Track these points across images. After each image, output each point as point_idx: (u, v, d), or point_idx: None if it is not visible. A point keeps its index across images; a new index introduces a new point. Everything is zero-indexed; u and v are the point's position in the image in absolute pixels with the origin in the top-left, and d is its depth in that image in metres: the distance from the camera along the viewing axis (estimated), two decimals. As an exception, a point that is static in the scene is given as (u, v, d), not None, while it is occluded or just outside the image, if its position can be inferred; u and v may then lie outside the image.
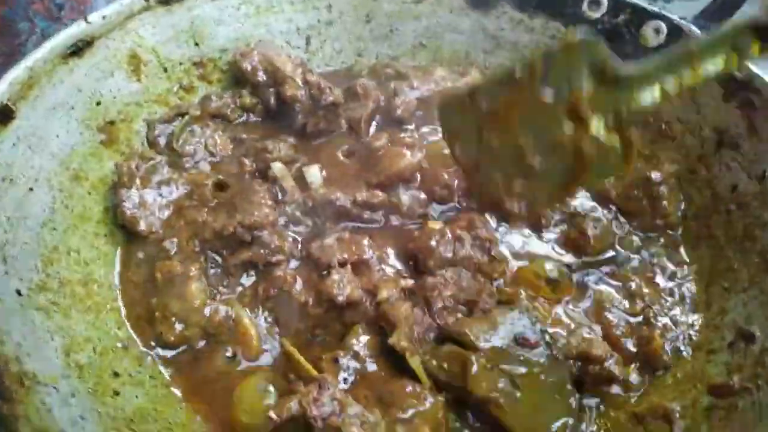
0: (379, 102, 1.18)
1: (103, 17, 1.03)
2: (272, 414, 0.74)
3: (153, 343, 0.90)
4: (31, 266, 0.83)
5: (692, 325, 0.95)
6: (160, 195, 1.02)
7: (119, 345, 0.88)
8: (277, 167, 1.05)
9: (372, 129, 1.19)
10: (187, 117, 1.13)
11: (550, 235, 1.06)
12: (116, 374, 0.83)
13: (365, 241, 0.98)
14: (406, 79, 1.22)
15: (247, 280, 0.96)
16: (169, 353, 0.89)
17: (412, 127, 1.19)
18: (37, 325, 0.78)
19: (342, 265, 0.94)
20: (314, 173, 1.06)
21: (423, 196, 1.06)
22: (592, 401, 0.87)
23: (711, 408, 0.81)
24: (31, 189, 0.88)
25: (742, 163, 1.03)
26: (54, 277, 0.86)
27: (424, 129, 1.18)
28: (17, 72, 0.88)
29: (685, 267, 1.03)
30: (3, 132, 0.85)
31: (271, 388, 0.85)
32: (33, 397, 0.68)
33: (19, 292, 0.79)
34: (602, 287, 1.00)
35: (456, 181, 1.06)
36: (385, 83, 1.22)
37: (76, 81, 0.98)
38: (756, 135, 1.02)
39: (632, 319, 0.96)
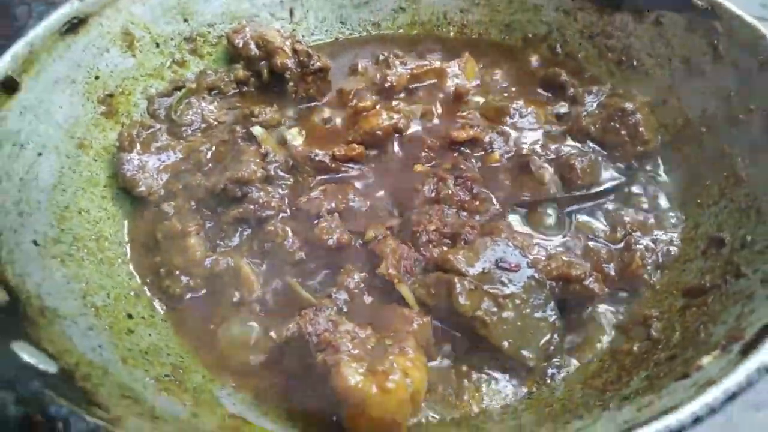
0: (375, 80, 1.24)
1: (95, -4, 1.10)
2: (272, 334, 0.81)
3: (161, 294, 0.96)
4: (46, 222, 0.90)
5: (671, 242, 1.00)
6: (159, 160, 1.09)
7: (131, 293, 0.95)
8: (258, 130, 1.12)
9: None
10: (184, 90, 1.20)
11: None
12: (130, 316, 0.90)
13: (350, 190, 1.04)
14: (400, 57, 1.28)
15: (242, 236, 1.02)
16: (176, 302, 0.96)
17: (401, 96, 1.24)
18: (54, 271, 0.86)
19: (330, 213, 1.01)
20: (294, 133, 1.14)
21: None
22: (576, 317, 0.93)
23: (685, 307, 0.86)
24: (39, 154, 0.95)
25: (709, 87, 1.08)
26: (68, 232, 0.93)
27: (414, 101, 1.23)
28: (18, 47, 0.95)
29: (664, 191, 1.08)
30: (10, 101, 0.92)
31: (254, 324, 0.91)
32: (54, 326, 0.75)
33: (35, 242, 0.86)
34: (586, 218, 1.05)
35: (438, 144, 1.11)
36: (382, 62, 1.28)
37: (74, 56, 1.05)
38: (720, 59, 1.06)
39: (614, 247, 1.01)
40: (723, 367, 0.60)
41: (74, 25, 1.05)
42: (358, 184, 1.07)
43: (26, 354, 0.62)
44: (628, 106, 1.11)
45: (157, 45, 1.20)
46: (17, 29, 1.10)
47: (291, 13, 1.36)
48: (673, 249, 0.98)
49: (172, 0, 1.21)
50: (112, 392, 0.68)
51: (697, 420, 0.52)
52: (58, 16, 1.03)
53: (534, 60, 1.31)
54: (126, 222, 1.04)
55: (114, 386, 0.71)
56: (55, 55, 1.02)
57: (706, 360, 0.64)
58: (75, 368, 0.68)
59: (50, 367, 0.63)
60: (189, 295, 0.96)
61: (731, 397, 0.54)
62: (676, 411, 0.53)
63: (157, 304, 0.95)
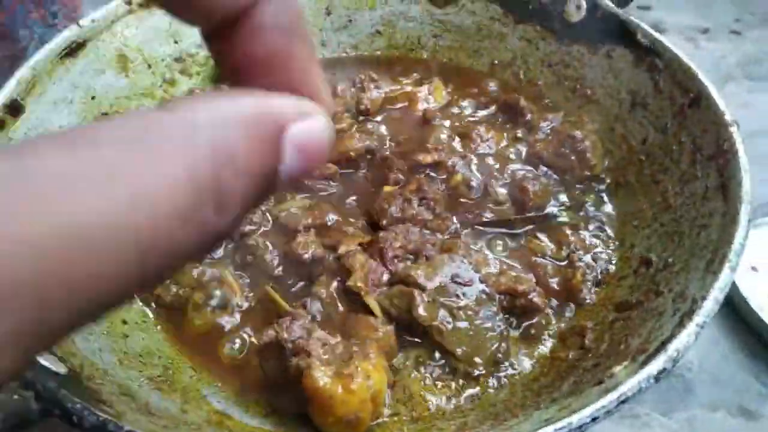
0: (351, 102, 1.34)
1: (92, 21, 1.18)
2: (253, 339, 0.92)
3: (153, 303, 1.06)
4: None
5: (610, 261, 1.13)
6: (151, 175, 1.19)
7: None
8: None
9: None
10: (172, 108, 1.29)
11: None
12: (125, 322, 1.00)
13: (326, 207, 1.15)
14: (375, 81, 1.39)
15: (227, 248, 1.11)
16: (166, 308, 1.06)
17: (377, 120, 1.35)
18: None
19: (307, 229, 1.12)
20: None
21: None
22: (523, 327, 1.05)
23: (614, 320, 0.98)
24: (42, 172, 1.04)
25: (650, 118, 1.20)
26: (66, 244, 1.03)
27: (386, 124, 1.34)
28: (23, 71, 1.04)
29: (607, 213, 1.20)
30: (16, 123, 1.01)
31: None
32: (59, 332, 0.85)
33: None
34: (536, 238, 1.17)
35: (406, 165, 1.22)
36: (357, 85, 1.38)
37: (72, 79, 1.14)
38: (660, 93, 1.19)
39: (559, 263, 1.13)
40: (628, 375, 0.72)
41: (73, 49, 1.14)
42: (332, 202, 1.18)
43: (41, 358, 0.72)
44: (577, 133, 1.23)
45: (149, 66, 1.29)
46: (20, 51, 1.18)
47: (274, 34, 1.45)
48: (611, 267, 1.11)
49: (165, 23, 1.30)
50: (112, 391, 0.79)
51: (594, 419, 0.64)
52: (59, 40, 1.12)
53: (494, 85, 1.43)
54: (119, 233, 1.14)
55: (114, 385, 0.81)
56: (55, 78, 1.11)
57: (617, 368, 0.77)
58: (80, 370, 0.79)
59: (60, 369, 0.73)
60: (177, 303, 1.06)
61: (624, 401, 0.66)
62: (578, 412, 0.65)
63: (148, 310, 1.05)
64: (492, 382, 0.96)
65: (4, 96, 1.00)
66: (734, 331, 1.19)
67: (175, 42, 1.34)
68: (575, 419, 0.64)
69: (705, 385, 1.13)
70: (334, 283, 1.06)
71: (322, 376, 0.83)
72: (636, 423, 1.09)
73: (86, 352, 0.85)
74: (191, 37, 1.35)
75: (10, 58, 1.18)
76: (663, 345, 0.73)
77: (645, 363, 0.72)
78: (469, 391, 0.95)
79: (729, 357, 1.17)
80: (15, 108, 1.02)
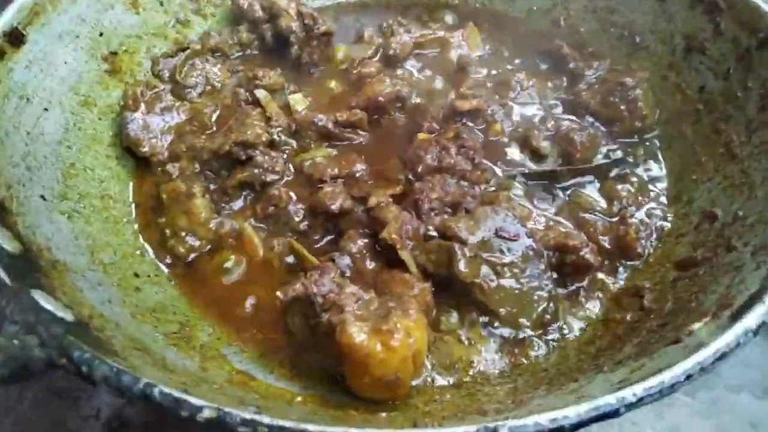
0: (379, 47, 1.26)
1: (98, -51, 1.08)
2: (278, 293, 0.83)
3: (166, 255, 0.98)
4: (52, 177, 0.91)
5: (665, 216, 1.03)
6: (163, 120, 1.10)
7: (137, 252, 0.96)
8: (261, 93, 1.12)
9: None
10: (188, 51, 1.19)
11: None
12: (137, 275, 0.92)
13: (354, 156, 1.06)
14: (404, 25, 1.29)
15: (246, 199, 1.03)
16: (179, 262, 0.97)
17: (406, 66, 1.25)
18: (62, 226, 0.87)
19: (333, 179, 1.02)
20: (297, 98, 1.15)
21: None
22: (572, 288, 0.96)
23: (677, 279, 0.89)
24: (45, 109, 0.95)
25: (708, 64, 1.10)
26: (73, 188, 0.94)
27: (418, 69, 1.24)
28: None
29: (660, 166, 1.10)
30: (17, 54, 0.91)
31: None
32: (66, 279, 0.76)
33: (43, 197, 0.87)
34: (583, 192, 1.07)
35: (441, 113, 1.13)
36: (385, 29, 1.28)
37: (78, 11, 1.04)
38: (721, 36, 1.08)
39: (610, 220, 1.04)
40: (712, 332, 0.63)
41: (80, -21, 1.04)
42: (360, 151, 1.08)
43: (44, 301, 0.63)
44: (628, 81, 1.12)
45: (161, 3, 1.19)
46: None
47: (295, -25, 1.35)
48: (667, 223, 1.01)
49: (177, -43, 1.20)
50: (125, 344, 0.70)
51: (688, 377, 0.55)
52: (64, -32, 1.02)
53: (536, 33, 1.32)
54: (131, 182, 1.05)
55: (126, 338, 0.73)
56: (60, 9, 1.01)
57: (696, 326, 0.68)
58: (89, 320, 0.70)
59: (67, 316, 0.65)
60: (193, 256, 0.98)
61: (720, 357, 0.57)
62: (669, 370, 0.56)
63: (161, 264, 0.96)
64: (540, 344, 0.87)
65: (3, 23, 0.91)
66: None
67: (189, -22, 1.23)
68: (667, 377, 0.55)
69: (729, 366, 1.05)
70: (365, 238, 0.97)
71: (358, 332, 0.74)
72: (659, 403, 1.00)
73: (95, 301, 0.76)
74: (206, -26, 1.25)
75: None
76: (756, 298, 0.64)
77: (736, 317, 0.62)
78: (516, 355, 0.86)
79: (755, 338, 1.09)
80: (15, 36, 0.92)
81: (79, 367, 0.55)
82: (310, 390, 0.81)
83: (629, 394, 0.55)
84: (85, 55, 1.05)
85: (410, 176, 1.04)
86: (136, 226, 1.00)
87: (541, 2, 1.36)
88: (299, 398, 0.78)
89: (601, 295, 0.95)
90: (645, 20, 1.22)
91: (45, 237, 0.80)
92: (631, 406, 0.54)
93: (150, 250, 0.98)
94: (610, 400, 0.54)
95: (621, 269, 0.97)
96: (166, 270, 0.96)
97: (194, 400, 0.55)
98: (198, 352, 0.82)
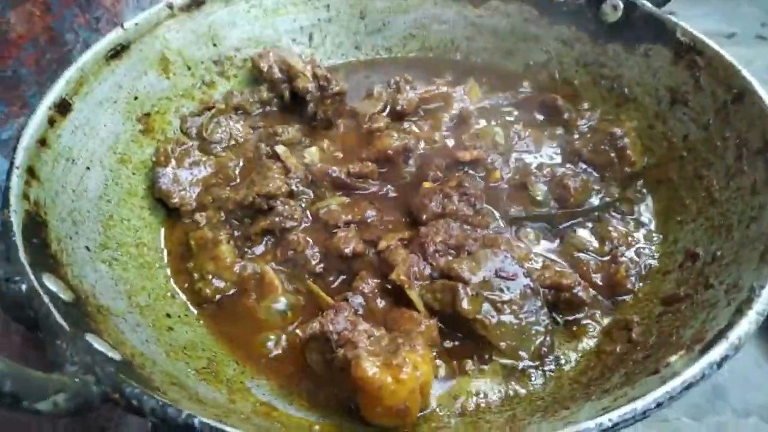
0: (387, 103, 1.36)
1: (136, 24, 1.21)
2: (298, 331, 0.92)
3: (195, 296, 1.07)
4: (95, 229, 1.01)
5: (653, 256, 1.11)
6: (191, 174, 1.21)
7: (169, 294, 1.06)
8: (281, 149, 1.23)
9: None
10: (213, 110, 1.32)
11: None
12: (168, 315, 1.01)
13: (365, 204, 1.16)
14: (410, 82, 1.40)
15: (267, 244, 1.13)
16: (207, 303, 1.06)
17: (414, 119, 1.36)
18: (104, 273, 0.96)
19: (347, 224, 1.12)
20: (313, 152, 1.26)
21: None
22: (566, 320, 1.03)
23: (662, 314, 0.97)
24: (88, 168, 1.06)
25: (691, 115, 1.19)
26: (112, 239, 1.04)
27: (423, 123, 1.34)
28: (71, 72, 1.06)
29: (648, 209, 1.19)
30: (64, 121, 1.03)
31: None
32: (109, 322, 0.85)
33: (87, 248, 0.97)
34: (576, 234, 1.16)
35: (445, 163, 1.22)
36: (393, 86, 1.39)
37: (117, 79, 1.16)
38: (701, 90, 1.18)
39: (601, 259, 1.12)
40: (685, 364, 0.71)
41: (118, 51, 1.17)
42: (372, 199, 1.18)
43: (96, 344, 0.73)
44: (617, 130, 1.22)
45: (189, 68, 1.32)
46: (65, 53, 1.21)
47: (310, 38, 1.48)
48: (654, 262, 1.10)
49: (204, 26, 1.33)
50: (163, 380, 0.79)
51: (658, 405, 0.63)
52: (104, 43, 1.14)
53: (530, 86, 1.42)
54: (162, 230, 1.15)
55: (163, 375, 0.82)
56: (101, 78, 1.13)
57: (673, 358, 0.75)
58: (131, 358, 0.79)
59: (116, 356, 0.74)
60: (219, 297, 1.07)
61: (688, 387, 0.65)
62: (642, 398, 0.64)
63: (190, 304, 1.06)
64: (537, 375, 0.95)
65: (54, 95, 1.03)
66: (767, 336, 1.15)
67: (214, 45, 1.36)
68: (639, 405, 0.63)
69: (736, 390, 1.10)
70: (376, 279, 1.06)
71: (371, 366, 0.82)
72: (666, 427, 1.06)
73: (135, 342, 0.86)
74: (229, 40, 1.38)
75: (57, 60, 1.21)
76: (722, 333, 0.72)
77: (704, 351, 0.70)
78: (515, 385, 0.94)
79: (761, 362, 1.14)
80: (63, 106, 1.04)
81: (131, 401, 0.64)
82: (327, 419, 0.89)
83: (606, 420, 0.63)
84: (122, 118, 1.17)
85: (417, 222, 1.13)
86: (167, 270, 1.10)
87: (537, 57, 1.47)
88: (317, 426, 0.86)
89: (594, 328, 1.02)
90: (632, 74, 1.32)
91: (90, 284, 0.90)
92: (607, 431, 0.62)
93: (180, 292, 1.07)
94: (589, 425, 0.62)
95: (612, 304, 1.05)
96: (194, 311, 1.05)
97: (230, 429, 0.64)
98: (225, 385, 0.91)
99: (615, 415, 0.63)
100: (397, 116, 1.34)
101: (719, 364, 0.68)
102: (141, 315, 0.96)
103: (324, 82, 1.30)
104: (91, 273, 0.93)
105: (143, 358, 0.82)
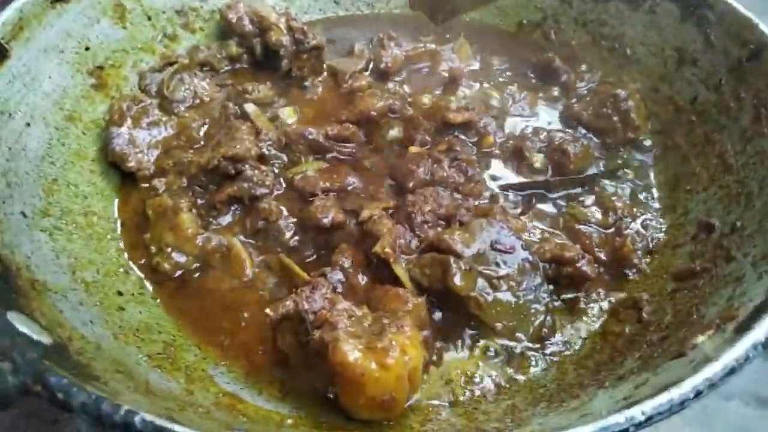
0: (370, 61, 1.25)
1: (86, -36, 1.07)
2: (268, 311, 0.80)
3: (151, 272, 0.95)
4: (34, 193, 0.88)
5: (660, 228, 1.02)
6: (150, 134, 1.08)
7: (121, 270, 0.93)
8: (251, 107, 1.11)
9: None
10: (176, 66, 1.17)
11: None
12: (120, 293, 0.89)
13: (344, 170, 1.04)
14: (394, 39, 1.28)
15: (235, 214, 1.01)
16: (165, 279, 0.94)
17: (398, 80, 1.24)
18: (43, 244, 0.84)
19: (325, 192, 1.00)
20: (287, 112, 1.14)
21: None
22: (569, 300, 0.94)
23: (675, 291, 0.87)
24: (28, 124, 0.92)
25: (700, 76, 1.09)
26: (55, 205, 0.91)
27: (408, 84, 1.23)
28: (8, 13, 0.93)
29: (653, 177, 1.09)
30: (1, 69, 0.89)
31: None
32: (45, 299, 0.73)
33: (24, 214, 0.84)
34: (578, 203, 1.05)
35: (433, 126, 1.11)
36: (376, 44, 1.27)
37: (64, 25, 1.02)
38: (712, 48, 1.08)
39: (605, 232, 1.02)
40: (718, 346, 0.61)
41: (64, -6, 1.03)
42: (352, 165, 1.07)
43: (20, 324, 0.60)
44: (620, 92, 1.12)
45: (149, 18, 1.18)
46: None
47: (285, -10, 1.34)
48: (662, 235, 1.00)
49: (164, -29, 1.19)
50: (106, 367, 0.67)
51: (698, 394, 0.53)
52: (48, -17, 1.00)
53: (527, 46, 1.31)
54: (115, 198, 1.02)
55: (107, 361, 0.70)
56: (45, 23, 0.99)
57: (700, 339, 0.66)
58: (68, 342, 0.67)
59: (44, 339, 0.62)
60: (179, 273, 0.95)
61: (730, 372, 0.55)
62: (678, 386, 0.54)
63: (146, 281, 0.93)
64: (538, 359, 0.85)
65: (-14, 38, 0.89)
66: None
67: (177, -7, 1.22)
68: (675, 395, 0.53)
69: None
70: (357, 252, 0.95)
71: (352, 350, 0.71)
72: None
73: (76, 322, 0.73)
74: (194, -12, 1.24)
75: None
76: (760, 310, 0.62)
77: (742, 330, 0.60)
78: (513, 371, 0.84)
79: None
80: (-1, 52, 0.90)
81: (55, 394, 0.52)
82: (300, 411, 0.78)
83: (638, 412, 0.52)
84: (71, 70, 1.03)
85: (403, 189, 1.02)
86: (120, 243, 0.97)
87: (531, 15, 1.35)
88: (290, 420, 0.75)
89: (598, 307, 0.93)
90: (635, 33, 1.22)
91: (24, 256, 0.77)
92: (639, 426, 0.52)
93: (134, 267, 0.95)
94: (618, 419, 0.52)
95: (617, 281, 0.96)
96: (150, 288, 0.93)
97: (178, 428, 0.52)
98: (183, 373, 0.79)
99: (648, 407, 0.52)
100: (381, 75, 1.22)
101: (765, 345, 0.58)
102: (86, 292, 0.83)
103: (300, 35, 1.17)
104: (27, 243, 0.80)
105: (83, 342, 0.70)
